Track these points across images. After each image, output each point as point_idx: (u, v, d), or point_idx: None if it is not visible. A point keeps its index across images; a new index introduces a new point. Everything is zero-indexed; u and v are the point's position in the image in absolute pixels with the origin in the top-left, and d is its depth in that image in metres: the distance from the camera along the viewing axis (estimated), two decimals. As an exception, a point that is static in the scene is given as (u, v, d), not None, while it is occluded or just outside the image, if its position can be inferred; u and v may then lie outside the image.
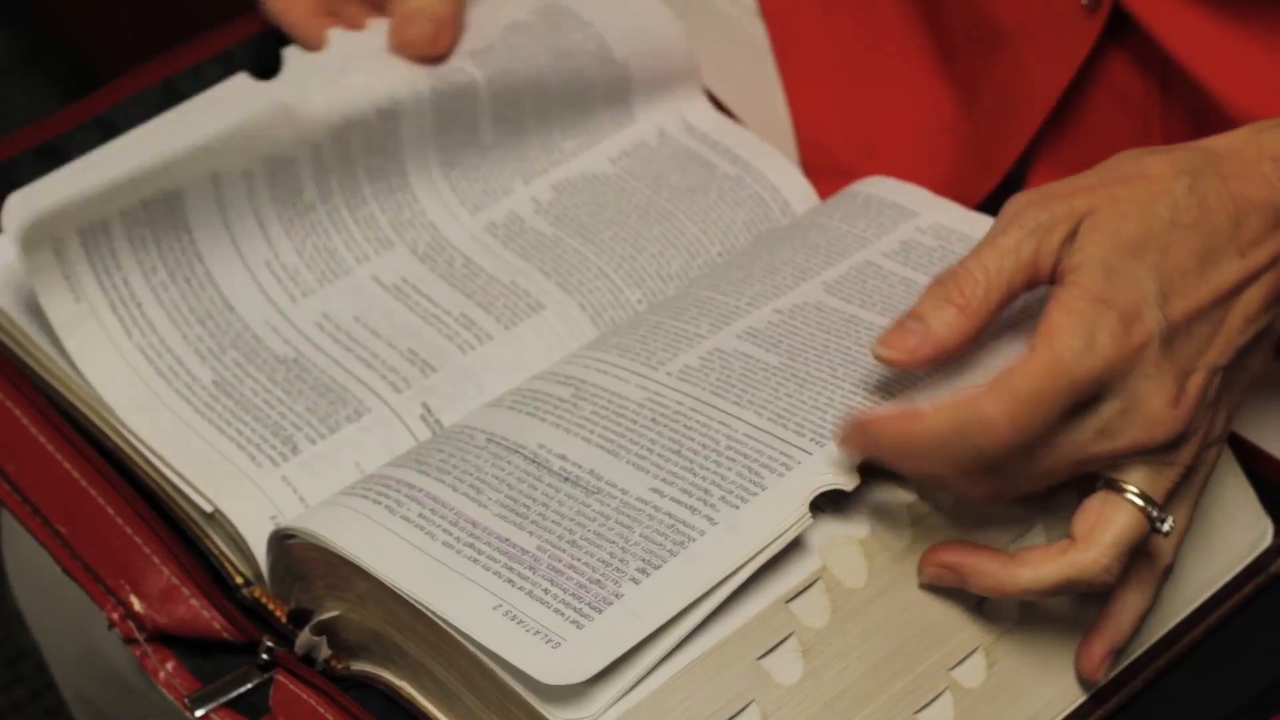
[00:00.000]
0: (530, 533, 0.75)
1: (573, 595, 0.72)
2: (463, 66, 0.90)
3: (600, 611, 0.71)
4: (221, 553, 0.82)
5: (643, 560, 0.73)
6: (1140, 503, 0.74)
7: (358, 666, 0.78)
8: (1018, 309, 0.78)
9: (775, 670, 0.73)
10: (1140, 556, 0.77)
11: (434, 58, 0.91)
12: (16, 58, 2.11)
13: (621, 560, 0.73)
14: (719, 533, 0.74)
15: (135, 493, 0.83)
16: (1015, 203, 0.76)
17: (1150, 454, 0.75)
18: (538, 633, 0.71)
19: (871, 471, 0.76)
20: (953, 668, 0.76)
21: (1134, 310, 0.73)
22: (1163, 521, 0.75)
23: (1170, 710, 0.80)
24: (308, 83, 0.89)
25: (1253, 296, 0.76)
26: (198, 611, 0.80)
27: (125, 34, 1.91)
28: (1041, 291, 0.76)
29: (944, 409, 0.72)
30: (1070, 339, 0.72)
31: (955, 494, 0.76)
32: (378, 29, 0.92)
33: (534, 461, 0.77)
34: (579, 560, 0.73)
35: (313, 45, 0.92)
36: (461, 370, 0.87)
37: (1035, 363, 0.72)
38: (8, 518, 1.05)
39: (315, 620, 0.78)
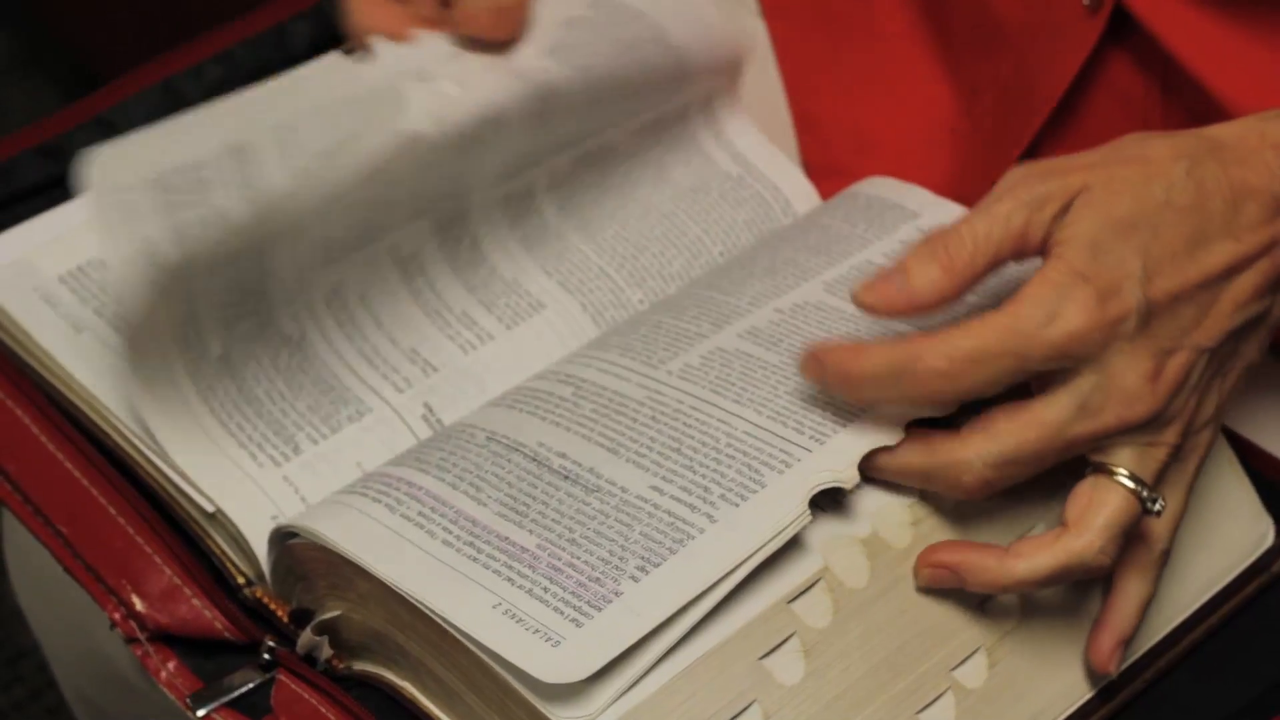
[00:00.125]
0: (530, 531, 0.75)
1: (572, 594, 0.72)
2: (545, 65, 0.88)
3: (600, 610, 0.71)
4: (223, 553, 0.82)
5: (642, 558, 0.73)
6: (1130, 484, 0.75)
7: (359, 666, 0.78)
8: (1012, 280, 0.78)
9: (777, 670, 0.73)
10: (1137, 542, 0.77)
11: (501, 45, 0.88)
12: (16, 58, 2.11)
13: (621, 558, 0.73)
14: (718, 530, 0.74)
15: (137, 492, 0.83)
16: (1013, 174, 0.76)
17: (1135, 433, 0.75)
18: (537, 631, 0.71)
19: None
20: (954, 668, 0.76)
21: (1113, 286, 0.74)
22: (1154, 501, 0.75)
23: (1171, 711, 0.80)
24: (403, 91, 0.85)
25: (1245, 282, 0.77)
26: (199, 611, 0.80)
27: (125, 34, 1.91)
28: (1035, 264, 0.76)
29: (885, 349, 0.75)
30: (1032, 309, 0.74)
31: (955, 492, 0.76)
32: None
33: (534, 460, 0.77)
34: (578, 558, 0.73)
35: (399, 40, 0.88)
36: (463, 370, 0.87)
37: (989, 324, 0.74)
38: (9, 517, 1.05)
39: (317, 620, 0.78)
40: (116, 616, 0.80)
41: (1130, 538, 0.76)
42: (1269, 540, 0.84)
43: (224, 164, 0.79)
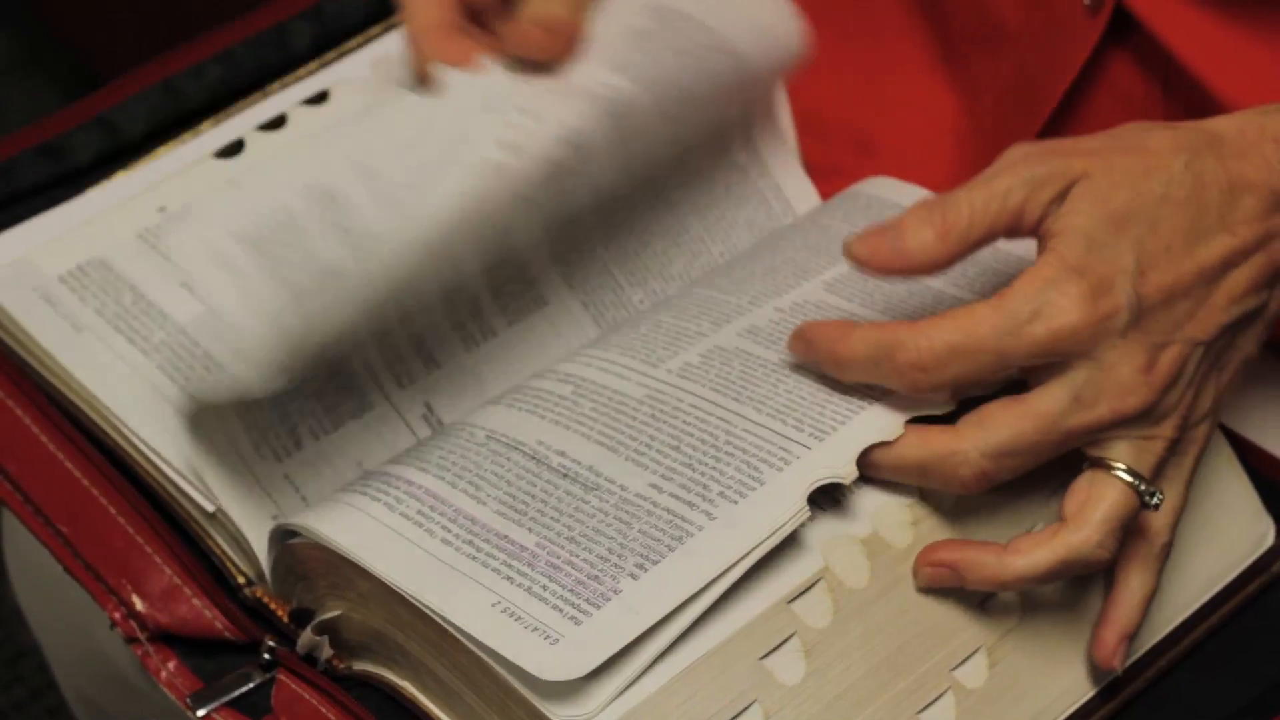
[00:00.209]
0: (529, 529, 0.75)
1: (571, 591, 0.72)
2: (615, 84, 0.85)
3: (598, 607, 0.71)
4: (223, 552, 0.82)
5: (641, 556, 0.73)
6: (1127, 478, 0.75)
7: (359, 666, 0.78)
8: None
9: (777, 670, 0.73)
10: (1138, 537, 0.77)
11: (558, 63, 0.84)
12: (16, 58, 2.11)
13: (620, 556, 0.73)
14: (717, 527, 0.74)
15: (137, 492, 0.83)
16: (1014, 151, 0.77)
17: (1130, 426, 0.75)
18: (536, 629, 0.71)
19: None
20: (955, 668, 0.76)
21: (1106, 282, 0.74)
22: (1151, 495, 0.75)
23: (1172, 710, 0.80)
24: (477, 123, 0.82)
25: (1240, 276, 0.77)
26: (199, 611, 0.80)
27: (125, 34, 1.91)
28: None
29: (869, 333, 0.75)
30: (1019, 304, 0.74)
31: (952, 486, 0.76)
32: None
33: (533, 458, 0.77)
34: (577, 556, 0.73)
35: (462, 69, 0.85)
36: (464, 368, 0.86)
37: (972, 318, 0.74)
38: (9, 517, 1.05)
39: (317, 620, 0.78)
40: (117, 616, 0.80)
41: (1130, 532, 0.76)
42: (1269, 540, 0.84)
43: (314, 210, 0.76)
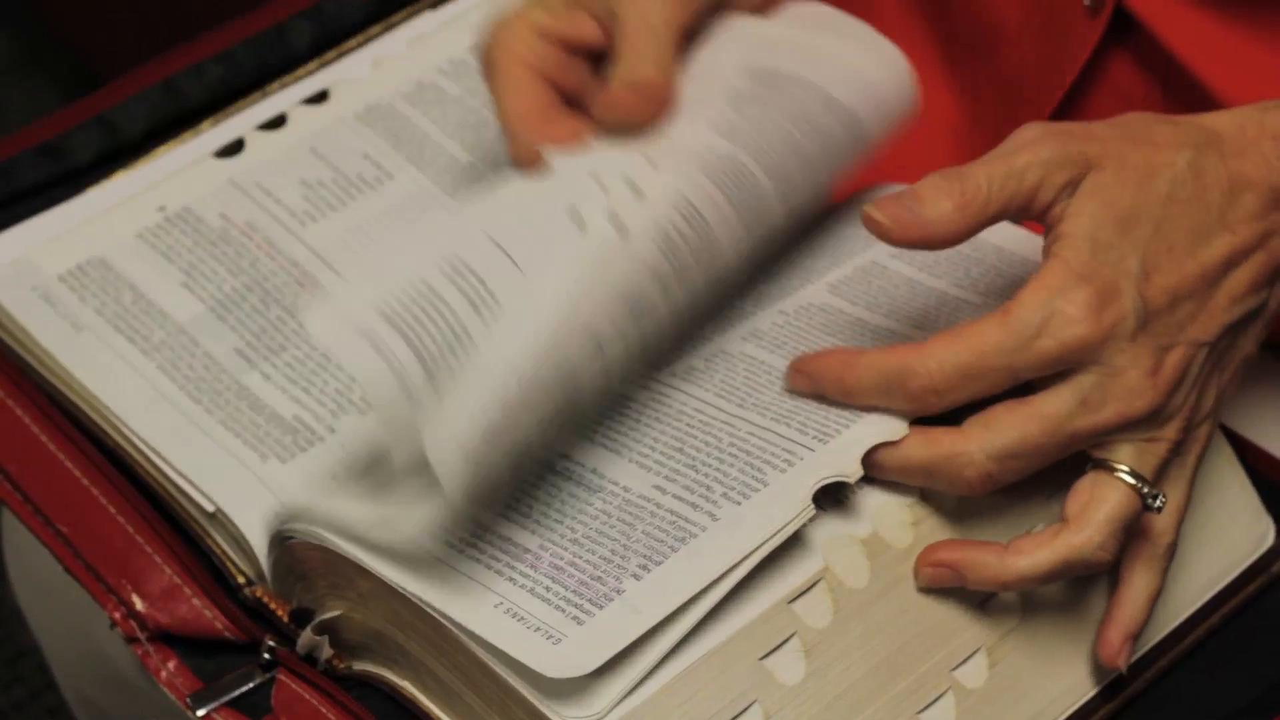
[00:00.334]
0: (532, 531, 0.75)
1: (574, 592, 0.72)
2: (725, 152, 0.81)
3: (601, 608, 0.71)
4: (223, 552, 0.82)
5: (644, 556, 0.73)
6: (1130, 480, 0.75)
7: (360, 666, 0.78)
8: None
9: (778, 670, 0.73)
10: (1141, 537, 0.77)
11: (648, 126, 0.81)
12: (17, 58, 2.11)
13: (623, 557, 0.73)
14: (720, 528, 0.74)
15: (137, 492, 0.83)
16: (1030, 130, 0.76)
17: (1135, 429, 0.75)
18: (538, 629, 0.71)
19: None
20: (955, 668, 0.76)
21: (1112, 287, 0.74)
22: (1154, 498, 0.75)
23: (1172, 710, 0.80)
24: (587, 200, 0.79)
25: (1241, 276, 0.77)
26: (199, 611, 0.80)
27: (125, 34, 1.91)
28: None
29: (876, 357, 0.75)
30: (1027, 315, 0.74)
31: (957, 487, 0.76)
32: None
33: (536, 461, 0.77)
34: (580, 558, 0.73)
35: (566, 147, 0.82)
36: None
37: (980, 335, 0.74)
38: (9, 517, 1.05)
39: (317, 620, 0.78)
40: (117, 616, 0.80)
41: (1134, 533, 0.76)
42: (1269, 540, 0.84)
43: (445, 288, 0.74)
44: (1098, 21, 0.90)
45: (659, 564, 0.73)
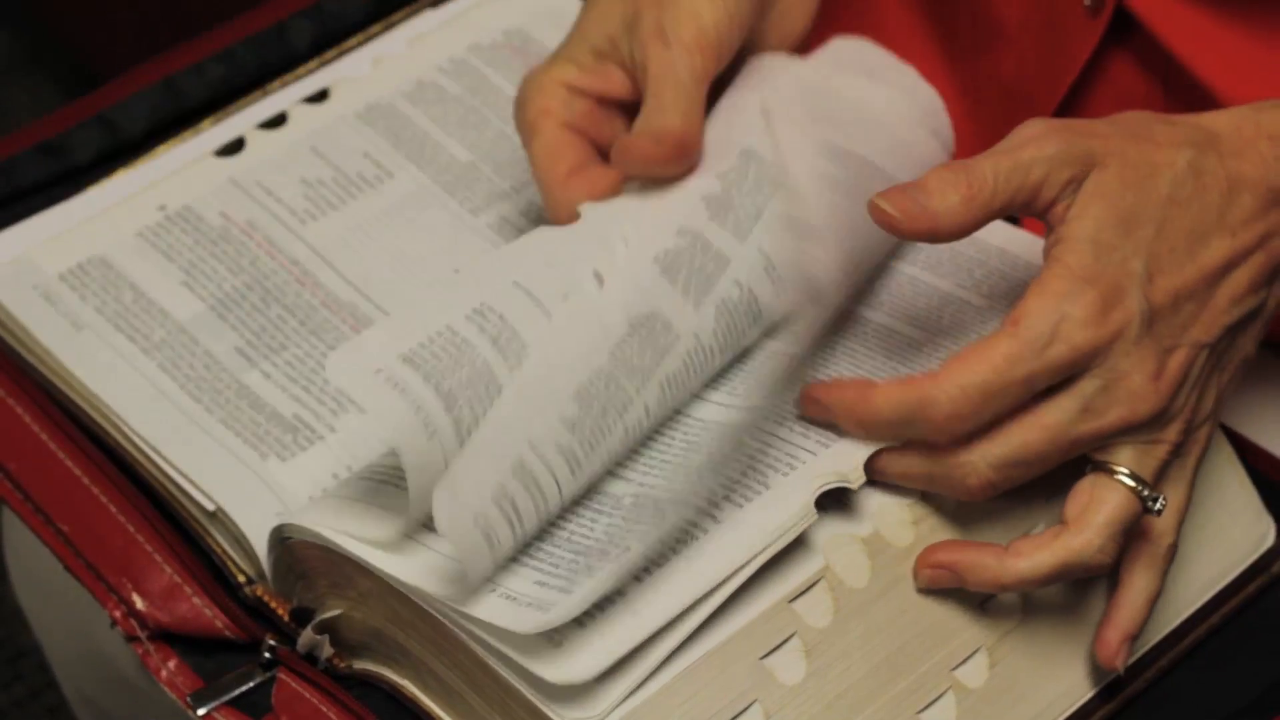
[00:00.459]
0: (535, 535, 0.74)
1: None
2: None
3: (603, 610, 0.71)
4: (223, 551, 0.82)
5: (645, 558, 0.73)
6: (1130, 482, 0.75)
7: (360, 665, 0.78)
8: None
9: (778, 670, 0.73)
10: (1141, 538, 0.77)
11: (674, 176, 0.81)
12: (17, 58, 2.11)
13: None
14: (722, 531, 0.74)
15: (137, 490, 0.83)
16: (1034, 125, 0.76)
17: (1136, 432, 0.75)
18: (540, 633, 0.71)
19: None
20: (955, 667, 0.76)
21: (1116, 290, 0.74)
22: (1154, 500, 0.75)
23: (1172, 710, 0.80)
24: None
25: (1240, 277, 0.77)
26: (200, 610, 0.80)
27: (125, 34, 1.91)
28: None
29: (892, 392, 0.74)
30: (1037, 325, 0.73)
31: (949, 495, 0.76)
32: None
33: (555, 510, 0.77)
34: (580, 559, 0.73)
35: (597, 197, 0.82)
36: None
37: (993, 352, 0.73)
38: (9, 515, 1.05)
39: (317, 619, 0.78)
40: (117, 615, 0.80)
41: (1135, 534, 0.76)
42: (1269, 540, 0.84)
43: (467, 329, 0.74)
44: (1098, 21, 0.90)
45: (660, 566, 0.73)
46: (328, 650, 0.78)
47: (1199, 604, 0.82)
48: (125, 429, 0.84)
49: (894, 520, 0.77)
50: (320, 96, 0.96)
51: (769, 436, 0.77)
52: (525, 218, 0.92)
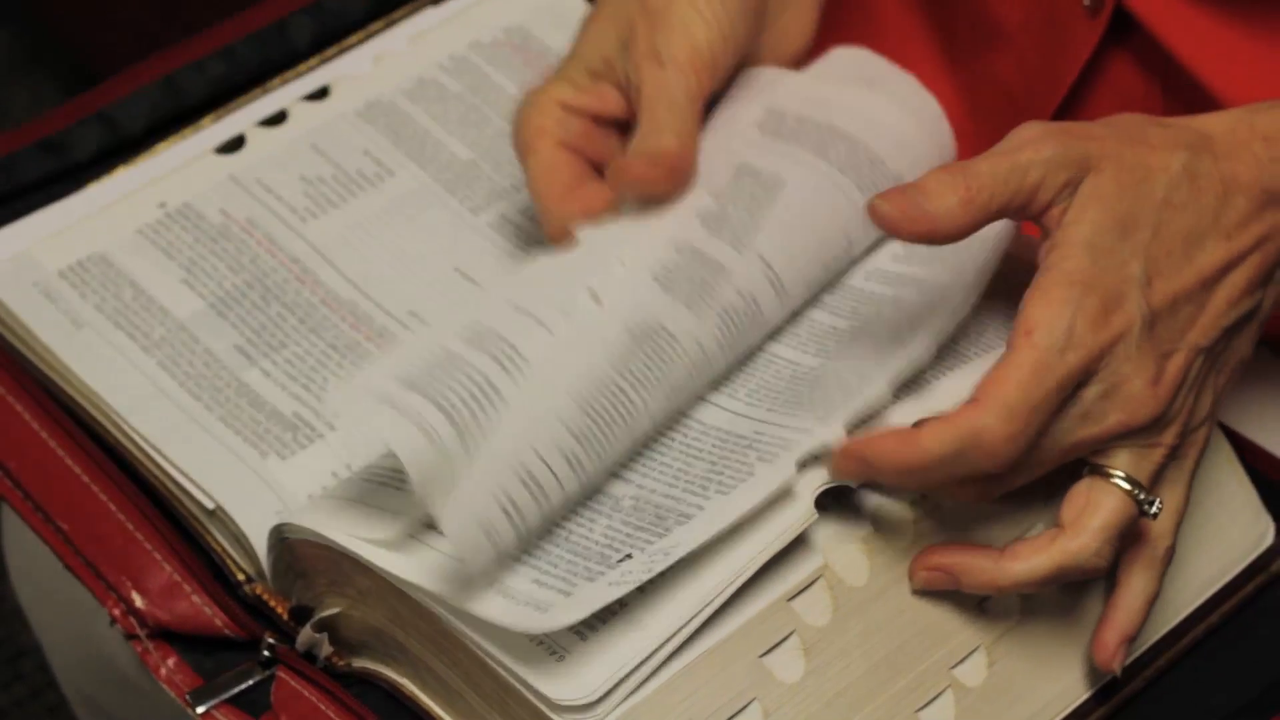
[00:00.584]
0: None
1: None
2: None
3: (604, 622, 0.71)
4: (223, 549, 0.82)
5: (646, 570, 0.73)
6: (1126, 486, 0.75)
7: (359, 663, 0.78)
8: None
9: (777, 668, 0.73)
10: (1139, 541, 0.77)
11: (667, 197, 0.81)
12: (18, 58, 2.11)
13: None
14: (710, 520, 0.73)
15: (137, 489, 0.83)
16: (1030, 128, 0.76)
17: (1133, 436, 0.75)
18: (541, 643, 0.71)
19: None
20: (954, 666, 0.76)
21: (1116, 296, 0.74)
22: (1150, 504, 0.75)
23: (1172, 708, 0.80)
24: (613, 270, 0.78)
25: (1237, 279, 0.77)
26: (199, 608, 0.80)
27: (126, 34, 1.91)
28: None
29: (939, 431, 0.72)
30: (1052, 333, 0.73)
31: (948, 498, 0.76)
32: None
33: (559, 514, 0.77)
34: (580, 560, 0.73)
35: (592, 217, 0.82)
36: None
37: (1021, 367, 0.72)
38: (9, 514, 1.05)
39: (317, 617, 0.78)
40: (116, 613, 0.80)
41: (1132, 537, 0.76)
42: (1269, 539, 0.84)
43: (467, 351, 0.74)
44: (1098, 21, 0.90)
45: (662, 576, 0.72)
46: (327, 648, 0.78)
47: (1198, 603, 0.82)
48: (125, 427, 0.84)
49: (893, 520, 0.77)
50: (321, 94, 0.96)
51: (754, 423, 0.77)
52: (525, 216, 0.92)
